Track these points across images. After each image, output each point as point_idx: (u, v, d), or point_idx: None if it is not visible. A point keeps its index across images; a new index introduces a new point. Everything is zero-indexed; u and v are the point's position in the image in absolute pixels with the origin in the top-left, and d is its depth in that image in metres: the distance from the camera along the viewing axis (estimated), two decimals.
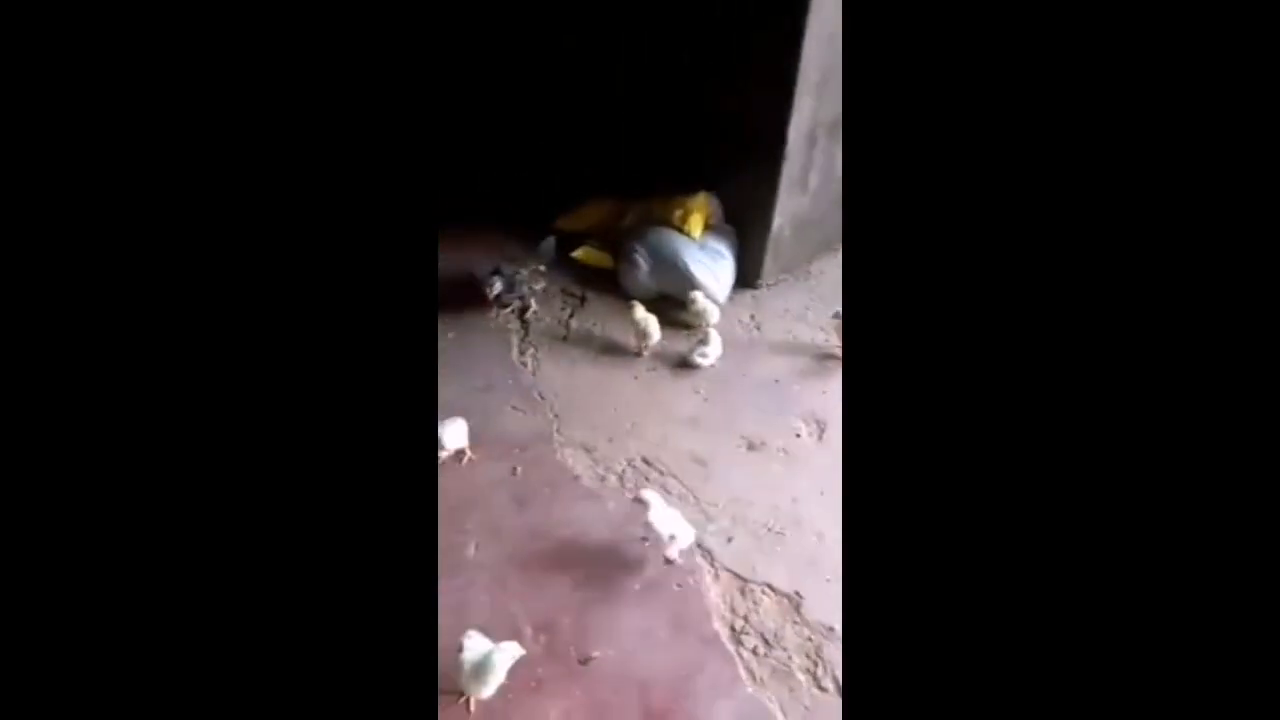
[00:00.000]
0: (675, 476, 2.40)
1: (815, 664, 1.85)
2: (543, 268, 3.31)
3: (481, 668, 1.62)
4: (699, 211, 3.30)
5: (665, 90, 3.62)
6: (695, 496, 2.33)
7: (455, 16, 4.10)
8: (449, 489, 2.30)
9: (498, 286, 3.05)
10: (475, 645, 1.65)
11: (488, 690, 1.64)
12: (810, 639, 1.91)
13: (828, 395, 2.74)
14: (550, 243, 3.41)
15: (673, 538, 1.99)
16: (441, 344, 2.96)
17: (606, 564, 2.09)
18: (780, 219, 3.23)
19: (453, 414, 2.61)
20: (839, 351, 2.92)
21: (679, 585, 2.04)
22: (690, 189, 3.36)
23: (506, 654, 1.65)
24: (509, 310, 3.17)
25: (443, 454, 2.32)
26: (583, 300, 3.33)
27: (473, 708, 1.69)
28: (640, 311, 2.95)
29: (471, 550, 2.10)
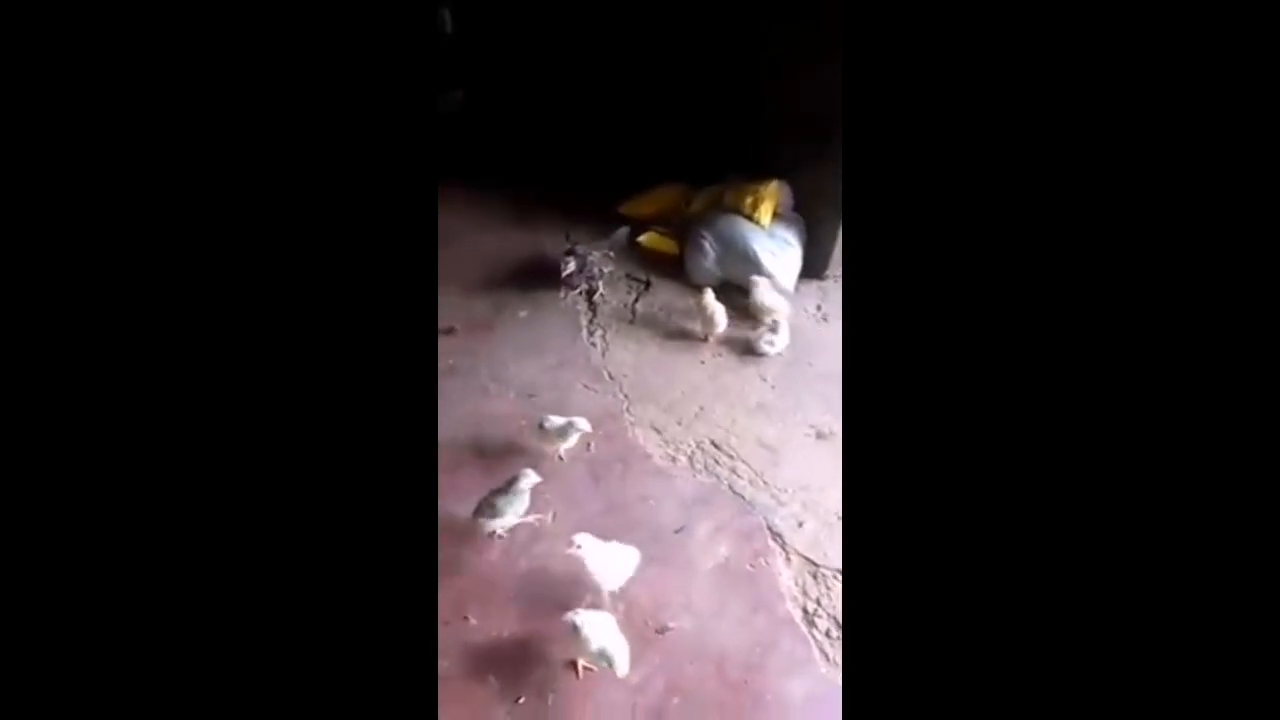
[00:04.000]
0: (744, 461, 2.43)
1: None
2: (612, 253, 3.37)
3: (604, 646, 1.71)
4: (769, 200, 3.30)
5: (737, 76, 3.62)
6: (765, 481, 2.36)
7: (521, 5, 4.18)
8: (530, 461, 2.38)
9: (570, 266, 3.11)
10: (591, 621, 1.73)
11: (621, 667, 1.72)
12: None
13: None
14: (623, 232, 3.46)
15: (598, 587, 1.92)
16: (516, 322, 3.05)
17: (679, 540, 2.15)
18: None
19: (532, 389, 2.70)
20: None
21: (751, 566, 2.08)
22: (760, 177, 3.36)
23: (618, 641, 1.74)
24: (577, 291, 3.23)
25: (567, 447, 2.35)
26: (647, 285, 3.37)
27: (581, 673, 1.79)
28: (709, 297, 2.98)
29: (550, 518, 2.18)
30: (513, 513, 2.05)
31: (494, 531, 2.08)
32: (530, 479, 2.06)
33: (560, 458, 2.38)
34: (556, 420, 2.29)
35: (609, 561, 1.89)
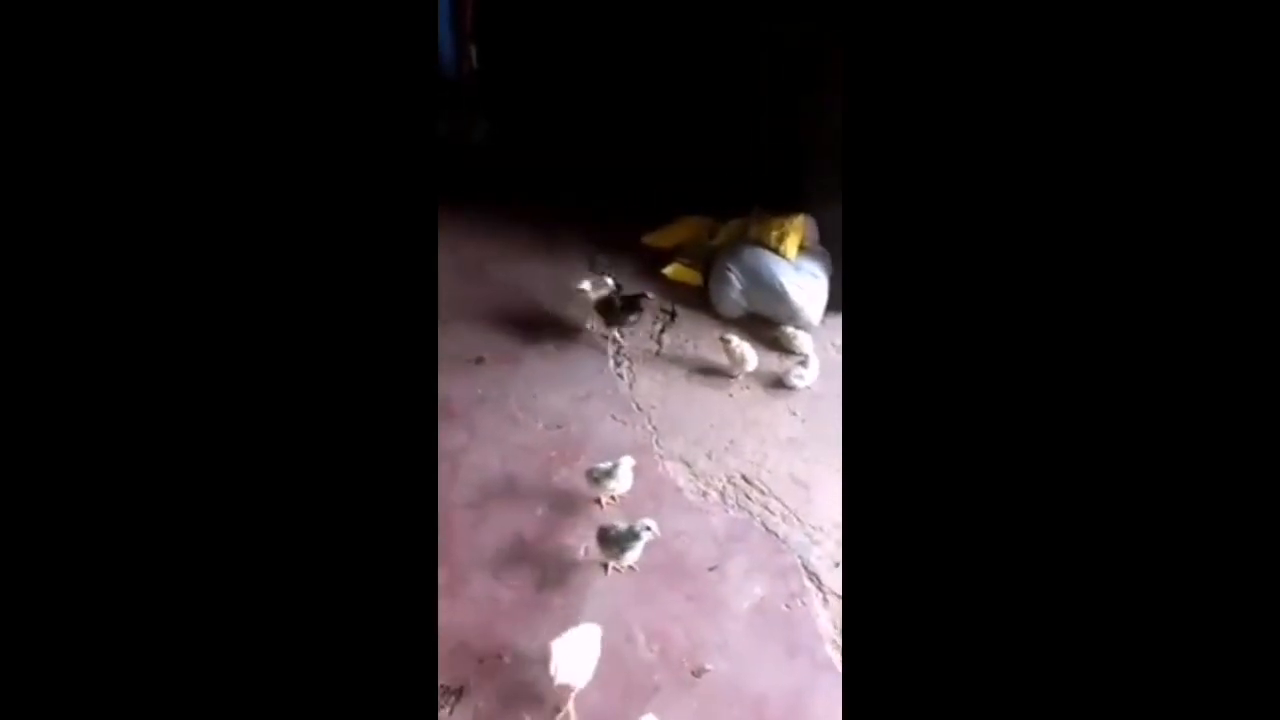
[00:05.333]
0: (777, 498, 2.41)
1: None
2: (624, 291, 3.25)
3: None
4: (795, 233, 3.33)
5: (763, 109, 3.68)
6: (798, 518, 2.33)
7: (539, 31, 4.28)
8: (560, 492, 2.37)
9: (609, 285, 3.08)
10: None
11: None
12: None
13: None
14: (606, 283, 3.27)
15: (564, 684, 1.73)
16: (544, 353, 3.05)
17: (713, 579, 2.12)
18: None
19: (560, 420, 2.69)
20: None
21: (787, 606, 2.05)
22: (786, 210, 3.39)
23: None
24: (628, 322, 3.09)
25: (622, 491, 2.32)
26: (673, 316, 3.37)
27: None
28: (735, 340, 2.95)
29: (582, 553, 2.16)
30: (629, 557, 2.07)
31: (608, 565, 2.12)
32: (650, 527, 2.04)
33: (601, 503, 2.32)
34: (603, 465, 2.29)
35: (575, 659, 1.72)
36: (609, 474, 2.24)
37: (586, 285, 3.19)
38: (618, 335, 3.13)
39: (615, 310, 3.04)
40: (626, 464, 2.27)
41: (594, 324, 3.14)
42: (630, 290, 3.16)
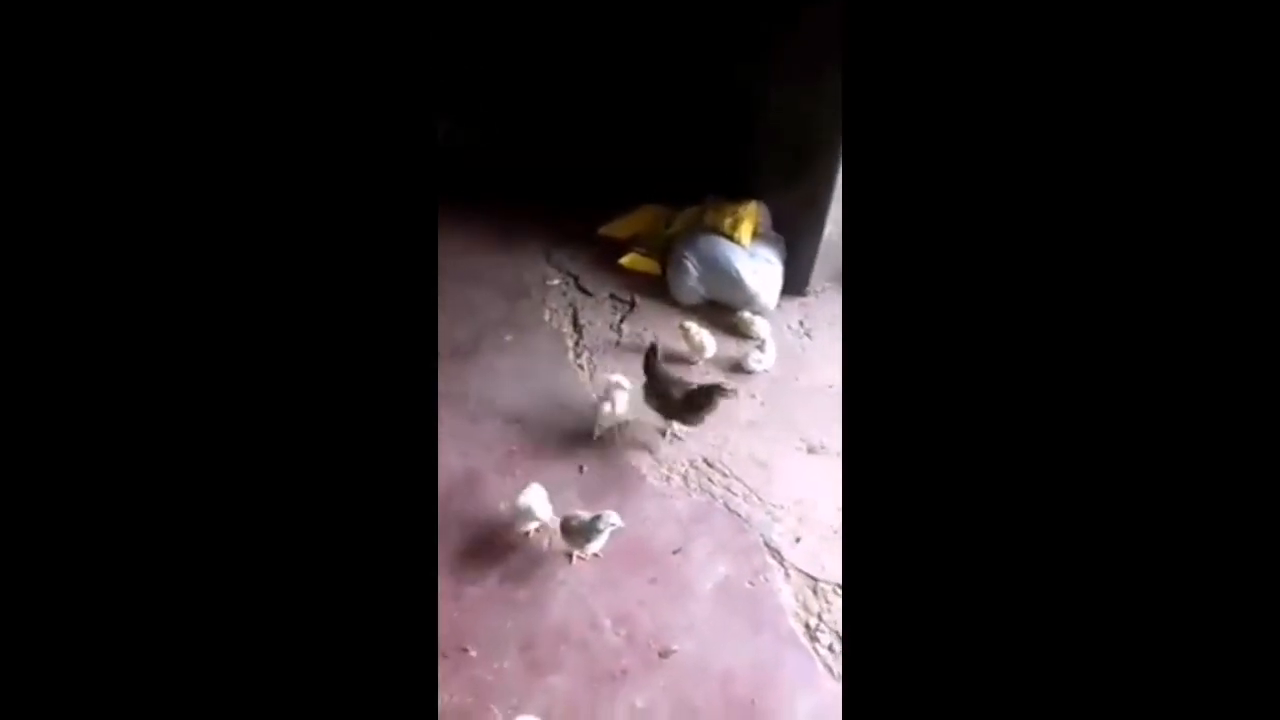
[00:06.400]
0: (738, 478, 2.44)
1: None
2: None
3: None
4: (749, 220, 3.36)
5: (716, 99, 3.70)
6: (759, 498, 2.37)
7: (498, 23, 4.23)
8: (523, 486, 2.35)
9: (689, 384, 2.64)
10: None
11: None
12: None
13: None
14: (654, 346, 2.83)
15: None
16: (501, 347, 3.03)
17: (678, 561, 2.13)
18: (831, 225, 3.28)
19: (519, 414, 2.67)
20: None
21: (751, 584, 2.08)
22: (739, 197, 3.42)
23: None
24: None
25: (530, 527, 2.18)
26: (632, 306, 3.38)
27: None
28: (695, 327, 2.97)
29: (545, 544, 2.15)
30: (592, 546, 2.05)
31: (572, 554, 2.11)
32: (614, 521, 2.02)
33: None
34: (521, 502, 2.17)
35: None
36: (587, 530, 2.05)
37: (556, 281, 3.10)
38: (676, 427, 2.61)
39: (680, 404, 2.46)
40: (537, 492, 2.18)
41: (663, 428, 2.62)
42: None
